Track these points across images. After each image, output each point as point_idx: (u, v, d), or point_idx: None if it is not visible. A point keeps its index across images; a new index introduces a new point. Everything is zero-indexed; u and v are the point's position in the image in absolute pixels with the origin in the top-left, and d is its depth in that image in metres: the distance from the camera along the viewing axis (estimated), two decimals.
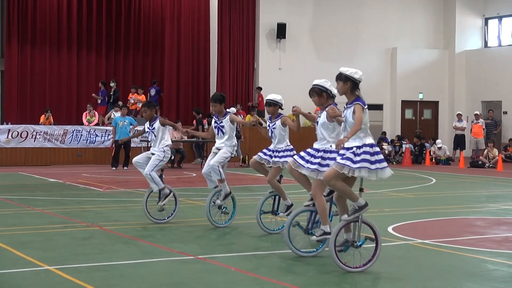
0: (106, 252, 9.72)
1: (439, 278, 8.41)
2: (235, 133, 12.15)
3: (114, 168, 25.27)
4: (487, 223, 12.93)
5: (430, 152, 30.91)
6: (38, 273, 8.46)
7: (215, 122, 12.08)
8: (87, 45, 31.50)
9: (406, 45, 36.10)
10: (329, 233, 8.80)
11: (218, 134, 12.04)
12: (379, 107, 34.86)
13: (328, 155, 9.09)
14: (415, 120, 36.55)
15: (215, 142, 12.16)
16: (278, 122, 11.16)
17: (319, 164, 9.08)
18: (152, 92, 31.40)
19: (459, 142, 32.22)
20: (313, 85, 9.44)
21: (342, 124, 8.72)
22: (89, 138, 27.87)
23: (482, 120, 32.51)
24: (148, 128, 12.68)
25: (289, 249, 9.44)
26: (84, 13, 31.34)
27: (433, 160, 30.51)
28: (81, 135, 27.77)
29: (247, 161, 27.24)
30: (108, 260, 9.13)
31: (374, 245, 8.72)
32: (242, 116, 30.86)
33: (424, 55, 36.61)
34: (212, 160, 11.90)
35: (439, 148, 30.94)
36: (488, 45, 37.50)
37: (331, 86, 9.29)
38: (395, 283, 8.20)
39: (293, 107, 10.80)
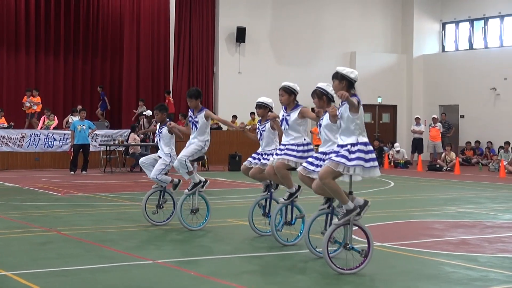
0: (65, 257, 9.63)
1: (397, 281, 8.48)
2: (208, 129, 12.14)
3: (72, 173, 25.06)
4: (444, 225, 13.05)
5: (388, 155, 31.13)
6: None
7: (190, 116, 12.15)
8: (45, 49, 31.26)
9: (365, 50, 36.34)
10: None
11: (192, 128, 12.11)
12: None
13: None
14: (373, 123, 36.77)
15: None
16: (268, 125, 11.22)
17: None
18: (101, 97, 31.24)
19: (417, 145, 32.51)
20: (316, 87, 9.55)
21: (338, 121, 8.75)
22: (47, 142, 27.61)
23: (440, 124, 32.85)
24: (157, 130, 12.77)
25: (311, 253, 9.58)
26: (42, 17, 31.10)
27: (392, 164, 30.74)
28: (39, 139, 27.50)
29: (206, 165, 27.19)
30: (66, 265, 9.05)
31: (367, 247, 8.77)
32: None
33: (383, 60, 36.89)
34: (180, 154, 11.97)
35: (398, 152, 31.18)
36: (446, 50, 37.91)
37: (333, 90, 9.35)
38: (354, 286, 8.24)
39: (270, 113, 11.03)
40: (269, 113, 11.07)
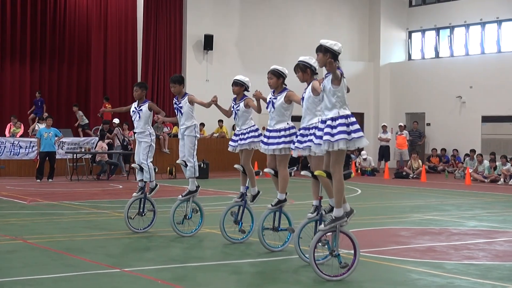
0: (31, 266, 9.55)
1: None
2: (194, 113, 12.24)
3: (38, 181, 24.87)
4: (411, 233, 13.13)
5: (355, 163, 31.25)
6: None
7: (175, 103, 12.29)
8: (11, 55, 30.92)
9: None
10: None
11: (177, 115, 12.24)
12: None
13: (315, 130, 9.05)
14: None
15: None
16: (242, 104, 11.31)
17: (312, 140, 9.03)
18: (39, 103, 30.71)
19: (383, 153, 32.69)
20: (298, 61, 9.61)
21: (321, 93, 8.80)
22: (13, 150, 27.37)
23: (406, 131, 33.09)
24: (135, 108, 12.75)
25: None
26: (8, 23, 30.77)
27: (359, 171, 30.86)
28: (5, 146, 27.25)
29: (174, 173, 27.12)
30: (32, 274, 8.98)
31: (353, 255, 8.83)
32: (169, 128, 30.75)
33: (350, 67, 36.92)
34: (186, 156, 12.08)
35: (364, 159, 31.32)
36: (412, 58, 38.20)
37: (316, 63, 9.38)
38: None
39: (255, 91, 11.00)
40: (256, 90, 11.07)
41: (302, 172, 9.55)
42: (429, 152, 34.77)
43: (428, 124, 35.96)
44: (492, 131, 33.45)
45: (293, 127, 10.36)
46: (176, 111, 12.26)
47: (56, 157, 25.87)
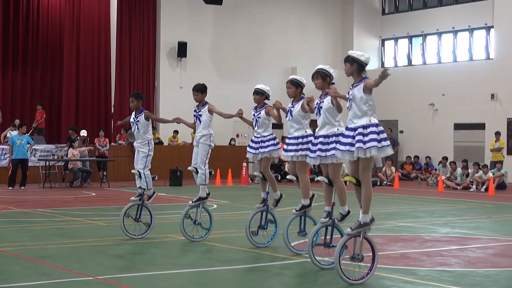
0: (3, 274, 9.46)
1: None
2: (212, 123, 12.47)
3: (10, 188, 24.68)
4: (384, 240, 13.17)
5: None
6: None
7: (195, 111, 12.60)
8: None
9: (306, 65, 36.51)
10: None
11: (196, 122, 12.49)
12: (280, 126, 35.11)
13: (340, 138, 9.28)
14: None
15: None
16: (263, 112, 11.57)
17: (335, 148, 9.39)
18: None
19: None
20: (318, 68, 9.91)
21: (348, 102, 8.98)
22: None
23: None
24: (133, 119, 12.90)
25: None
26: None
27: None
28: None
29: None
30: (5, 282, 8.90)
31: (371, 260, 9.08)
32: None
33: None
34: (198, 162, 12.31)
35: None
36: (385, 66, 38.34)
37: (334, 72, 9.84)
38: None
39: (275, 101, 11.33)
40: (276, 101, 11.36)
41: (318, 178, 9.72)
42: (402, 159, 34.95)
43: (401, 132, 36.16)
44: (464, 138, 33.70)
45: (311, 135, 10.56)
46: (195, 118, 12.51)
47: (29, 165, 25.69)
